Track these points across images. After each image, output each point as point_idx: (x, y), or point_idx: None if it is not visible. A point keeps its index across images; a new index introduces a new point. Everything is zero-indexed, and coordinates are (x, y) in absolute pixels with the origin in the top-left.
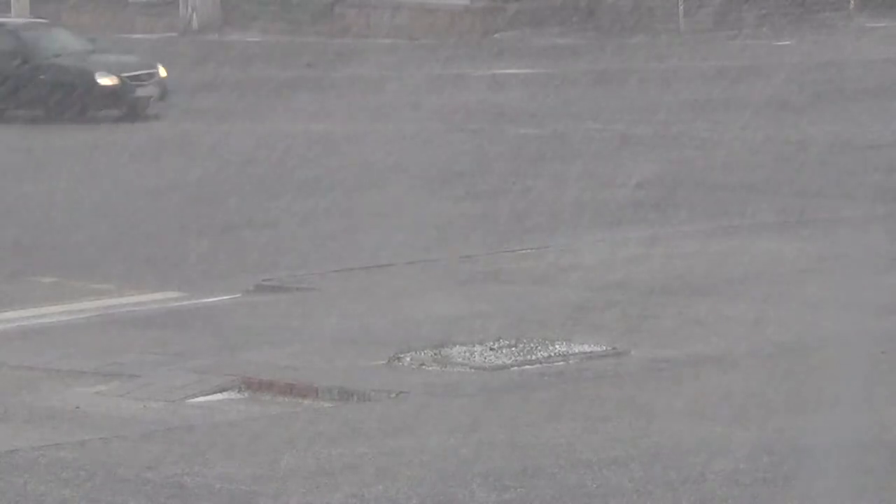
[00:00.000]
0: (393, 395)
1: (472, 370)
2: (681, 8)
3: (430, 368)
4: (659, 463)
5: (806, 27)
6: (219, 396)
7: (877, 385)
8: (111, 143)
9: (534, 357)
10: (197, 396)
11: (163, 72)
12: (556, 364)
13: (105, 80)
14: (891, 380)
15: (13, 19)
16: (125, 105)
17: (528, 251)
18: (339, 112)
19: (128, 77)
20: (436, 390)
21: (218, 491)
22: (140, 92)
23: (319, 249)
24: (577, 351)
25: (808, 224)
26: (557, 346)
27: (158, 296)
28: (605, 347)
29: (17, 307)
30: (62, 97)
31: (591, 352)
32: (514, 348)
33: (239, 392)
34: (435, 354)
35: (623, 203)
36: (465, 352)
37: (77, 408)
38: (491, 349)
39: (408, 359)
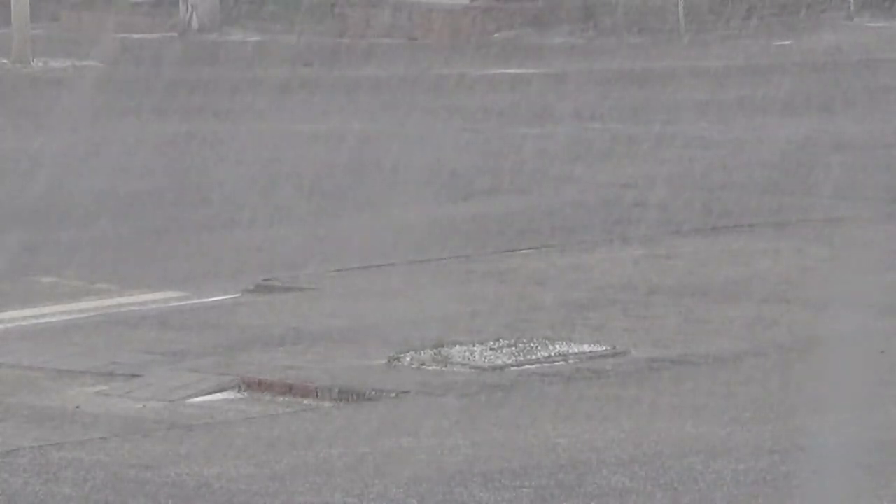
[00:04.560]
0: (393, 395)
1: (472, 370)
2: (681, 8)
3: (430, 368)
4: (659, 463)
5: (806, 27)
6: (219, 396)
7: (877, 385)
8: None
9: (534, 357)
10: (197, 396)
11: None
12: (556, 364)
13: None
14: (891, 380)
15: None
16: None
17: (529, 251)
18: (338, 112)
19: None
20: (436, 390)
21: (218, 491)
22: None
23: (319, 249)
24: (577, 351)
25: (808, 224)
26: (557, 346)
27: (158, 296)
28: (605, 347)
29: (17, 307)
30: None
31: (591, 352)
32: (514, 348)
33: (239, 392)
34: (435, 354)
35: (623, 203)
36: (465, 352)
37: (77, 408)
38: (491, 349)
39: (408, 359)
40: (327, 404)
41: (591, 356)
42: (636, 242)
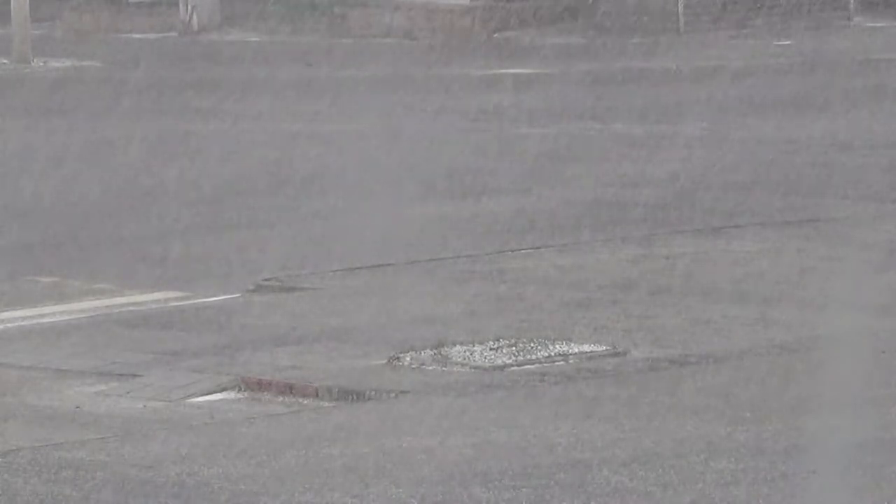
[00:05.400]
0: (393, 395)
1: (472, 370)
2: (681, 8)
3: (430, 368)
4: (659, 463)
5: (806, 27)
6: (218, 396)
7: (877, 385)
8: None
9: (534, 357)
10: (197, 396)
11: None
12: (556, 364)
13: None
14: (891, 380)
15: None
16: None
17: (528, 251)
18: (339, 112)
19: None
20: (436, 390)
21: (218, 491)
22: None
23: (319, 249)
24: (577, 351)
25: (808, 224)
26: (557, 346)
27: (158, 296)
28: (605, 347)
29: (17, 307)
30: None
31: (591, 352)
32: (514, 348)
33: (239, 392)
34: (435, 354)
35: (623, 203)
36: (465, 352)
37: (77, 408)
38: (491, 349)
39: (408, 359)
40: (327, 404)
41: (591, 356)
42: (636, 242)
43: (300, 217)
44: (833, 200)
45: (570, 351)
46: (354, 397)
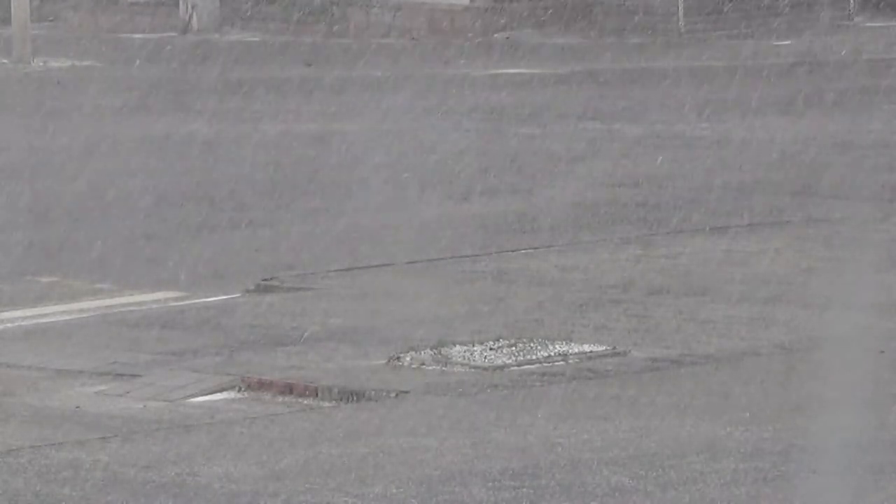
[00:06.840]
0: (393, 395)
1: (472, 370)
2: (681, 8)
3: (430, 368)
4: (659, 463)
5: (806, 27)
6: (219, 396)
7: (877, 385)
8: None
9: (534, 357)
10: (197, 396)
11: None
12: (556, 364)
13: None
14: (891, 380)
15: None
16: None
17: (528, 251)
18: (338, 112)
19: None
20: (436, 390)
21: (218, 491)
22: None
23: (319, 249)
24: (577, 351)
25: (807, 224)
26: (557, 346)
27: (158, 296)
28: (605, 347)
29: (16, 307)
30: None
31: (591, 352)
32: (514, 348)
33: (239, 392)
34: (435, 354)
35: (623, 203)
36: (465, 352)
37: (77, 408)
38: (491, 349)
39: (408, 359)
40: (327, 404)
41: (591, 356)
42: (636, 242)
43: (300, 217)
44: (833, 200)
45: (570, 351)
46: (354, 397)
